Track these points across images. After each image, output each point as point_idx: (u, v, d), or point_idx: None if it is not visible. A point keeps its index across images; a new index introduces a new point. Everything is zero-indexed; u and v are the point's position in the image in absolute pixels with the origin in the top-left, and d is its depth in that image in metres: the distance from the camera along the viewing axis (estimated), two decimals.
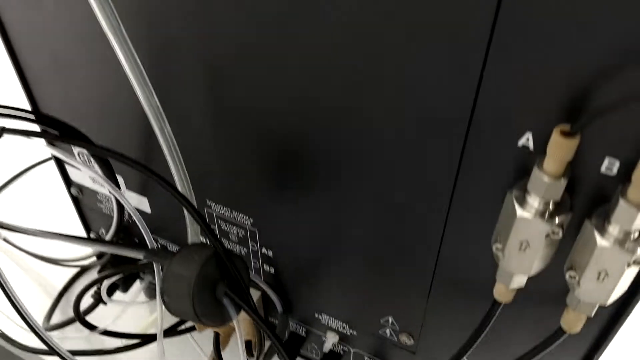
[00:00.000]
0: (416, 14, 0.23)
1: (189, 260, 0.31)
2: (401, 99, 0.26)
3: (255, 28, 0.27)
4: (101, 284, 0.40)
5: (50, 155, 0.62)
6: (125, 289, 0.49)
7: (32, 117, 0.30)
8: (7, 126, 0.30)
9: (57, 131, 0.31)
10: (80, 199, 0.48)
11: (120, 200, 0.34)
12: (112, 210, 0.45)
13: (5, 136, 0.30)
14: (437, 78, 0.24)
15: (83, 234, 0.52)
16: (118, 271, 0.40)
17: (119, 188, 0.41)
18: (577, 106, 0.23)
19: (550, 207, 0.25)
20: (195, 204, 0.35)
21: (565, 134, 0.22)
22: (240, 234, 0.40)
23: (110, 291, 0.47)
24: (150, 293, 0.52)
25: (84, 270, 0.56)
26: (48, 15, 0.33)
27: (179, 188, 0.34)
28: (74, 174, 0.46)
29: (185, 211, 0.35)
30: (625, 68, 0.21)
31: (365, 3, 0.24)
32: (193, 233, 0.37)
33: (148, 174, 0.30)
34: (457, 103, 0.25)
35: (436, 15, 0.23)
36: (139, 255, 0.32)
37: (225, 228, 0.40)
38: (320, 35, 0.26)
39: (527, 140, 0.25)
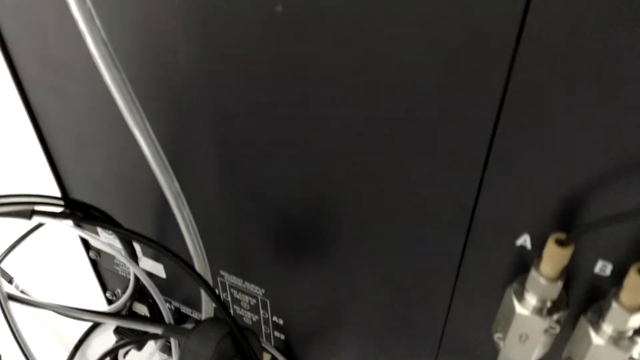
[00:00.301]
0: (420, 130, 0.25)
1: (205, 337, 0.32)
2: (405, 199, 0.28)
3: (270, 127, 0.30)
4: (117, 352, 0.41)
5: None
6: (139, 348, 0.50)
7: (60, 202, 0.32)
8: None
9: (82, 213, 0.33)
10: (98, 261, 0.50)
11: (138, 276, 0.36)
12: (129, 273, 0.46)
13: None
14: (440, 184, 0.26)
15: (99, 291, 0.53)
16: (135, 340, 0.41)
17: (137, 256, 0.43)
18: (572, 213, 0.24)
19: (548, 304, 0.26)
20: (210, 279, 0.37)
21: (560, 243, 0.24)
22: (252, 303, 0.41)
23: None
24: (164, 349, 0.54)
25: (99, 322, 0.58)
26: (73, 100, 0.35)
27: (196, 265, 0.36)
28: (93, 240, 0.48)
29: (202, 290, 0.37)
30: (615, 183, 0.23)
31: (370, 124, 0.26)
32: (207, 304, 0.39)
33: (171, 256, 0.32)
34: (458, 205, 0.27)
35: (439, 133, 0.25)
36: (157, 330, 0.34)
37: (238, 296, 0.42)
38: (330, 140, 0.28)
39: (524, 241, 0.26)
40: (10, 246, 0.61)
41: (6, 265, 0.62)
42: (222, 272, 0.41)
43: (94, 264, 0.50)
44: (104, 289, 0.53)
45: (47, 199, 0.31)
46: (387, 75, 0.24)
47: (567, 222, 0.25)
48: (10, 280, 0.58)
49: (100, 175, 0.38)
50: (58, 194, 0.37)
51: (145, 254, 0.45)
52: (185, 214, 0.34)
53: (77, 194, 0.41)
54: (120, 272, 0.49)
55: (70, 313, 0.32)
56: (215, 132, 0.32)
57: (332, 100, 0.26)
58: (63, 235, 0.68)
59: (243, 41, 0.27)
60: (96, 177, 0.38)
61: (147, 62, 0.31)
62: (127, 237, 0.36)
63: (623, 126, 0.21)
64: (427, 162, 0.26)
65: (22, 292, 0.60)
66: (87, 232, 0.34)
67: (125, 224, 0.37)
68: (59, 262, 0.65)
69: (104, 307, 0.54)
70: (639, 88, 0.19)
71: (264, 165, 0.32)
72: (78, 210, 0.33)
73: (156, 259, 0.44)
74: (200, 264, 0.36)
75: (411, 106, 0.24)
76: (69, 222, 0.34)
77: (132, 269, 0.38)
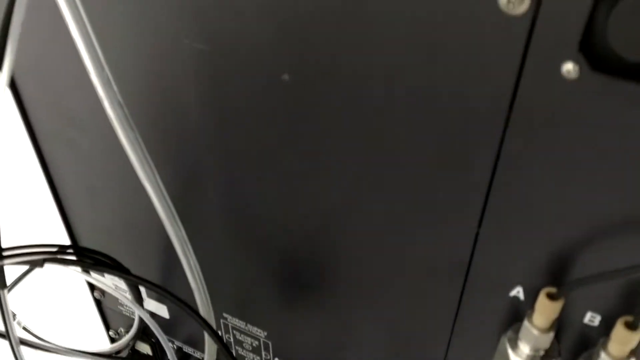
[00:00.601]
0: (419, 192, 0.27)
1: None
2: (405, 252, 0.29)
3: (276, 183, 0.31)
4: None
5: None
6: None
7: (70, 251, 0.34)
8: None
9: (92, 260, 0.35)
10: (102, 300, 0.51)
11: (143, 317, 0.37)
12: (132, 313, 0.47)
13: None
14: (438, 239, 0.28)
15: (102, 329, 0.54)
16: None
17: (142, 298, 0.44)
18: (563, 267, 0.26)
19: (541, 352, 0.28)
20: (214, 322, 0.38)
21: (551, 297, 0.25)
22: (254, 344, 0.42)
23: None
24: None
25: None
26: (84, 151, 0.37)
27: (200, 309, 0.37)
28: (100, 283, 0.49)
29: (205, 333, 0.38)
30: (602, 243, 0.24)
31: (371, 186, 0.28)
32: (210, 345, 0.40)
33: (177, 302, 0.33)
34: (455, 259, 0.28)
35: (438, 194, 0.26)
36: None
37: (240, 338, 0.43)
38: (333, 196, 0.29)
39: (517, 292, 0.28)
40: (13, 282, 0.62)
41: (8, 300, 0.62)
42: (225, 315, 0.42)
43: (98, 302, 0.51)
44: (107, 327, 0.54)
45: (58, 248, 0.33)
46: (387, 143, 0.26)
47: (558, 275, 0.26)
48: (13, 317, 0.59)
49: (109, 222, 0.40)
50: (67, 239, 0.38)
51: (149, 295, 0.46)
52: (191, 261, 0.36)
53: (87, 239, 0.42)
54: (124, 312, 0.50)
55: (75, 356, 0.33)
56: (222, 182, 0.34)
57: (335, 161, 0.28)
58: (68, 274, 0.69)
59: (250, 102, 0.28)
60: (106, 223, 0.40)
61: (158, 113, 0.33)
62: (135, 283, 0.37)
63: (609, 192, 0.22)
64: (425, 219, 0.27)
65: (24, 328, 0.61)
66: (95, 276, 0.35)
67: (132, 267, 0.38)
68: (62, 299, 0.65)
69: (106, 345, 0.55)
70: (621, 159, 0.21)
71: (268, 214, 0.33)
72: (87, 258, 0.34)
73: (160, 300, 0.45)
74: (204, 308, 0.37)
75: (410, 172, 0.26)
76: (77, 269, 0.36)
77: (137, 312, 0.39)
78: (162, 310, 0.46)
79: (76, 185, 0.39)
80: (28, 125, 0.36)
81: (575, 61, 0.20)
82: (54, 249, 0.33)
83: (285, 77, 0.26)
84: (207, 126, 0.31)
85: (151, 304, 0.46)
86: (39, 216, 0.39)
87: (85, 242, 0.43)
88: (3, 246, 0.30)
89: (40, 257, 0.32)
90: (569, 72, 0.20)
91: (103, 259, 0.35)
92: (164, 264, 0.41)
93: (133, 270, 0.39)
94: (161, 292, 0.33)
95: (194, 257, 0.36)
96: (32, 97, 0.35)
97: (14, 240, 0.34)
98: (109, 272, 0.35)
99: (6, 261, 0.30)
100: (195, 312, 0.34)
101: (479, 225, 0.27)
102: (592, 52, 0.19)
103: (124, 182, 0.36)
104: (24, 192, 0.38)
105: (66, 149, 0.37)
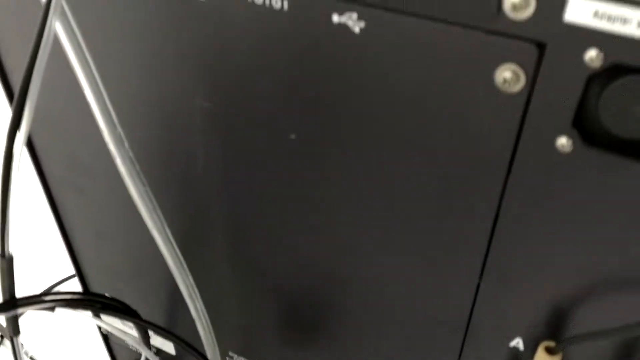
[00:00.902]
0: (422, 246, 0.28)
1: None
2: (407, 303, 0.30)
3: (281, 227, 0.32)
4: None
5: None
6: None
7: (82, 297, 0.35)
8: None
9: (102, 305, 0.36)
10: (109, 335, 0.51)
11: (150, 358, 0.37)
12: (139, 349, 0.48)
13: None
14: (440, 291, 0.29)
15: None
16: None
17: (149, 337, 0.45)
18: (562, 322, 0.27)
19: None
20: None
21: (549, 351, 0.26)
22: None
23: None
24: None
25: None
26: (93, 198, 0.38)
27: (207, 351, 0.38)
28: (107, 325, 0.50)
29: None
30: (601, 300, 0.25)
31: (375, 240, 0.28)
32: None
33: (184, 346, 0.34)
34: (457, 310, 0.29)
35: (438, 247, 0.27)
36: None
37: None
38: (338, 248, 0.30)
39: (517, 343, 0.28)
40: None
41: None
42: (231, 354, 0.43)
43: (105, 337, 0.52)
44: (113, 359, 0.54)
45: (69, 295, 0.34)
46: (390, 200, 0.27)
47: (557, 328, 0.27)
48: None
49: (118, 266, 0.40)
50: (78, 284, 0.39)
51: (156, 331, 0.46)
52: (198, 305, 0.36)
53: (96, 281, 0.43)
54: (130, 348, 0.50)
55: None
56: (228, 231, 0.34)
57: (339, 214, 0.29)
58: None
59: (257, 156, 0.29)
60: (114, 267, 0.41)
61: (167, 165, 0.34)
62: (144, 328, 0.38)
63: (604, 252, 0.23)
64: (428, 272, 0.28)
65: (31, 358, 0.61)
66: (104, 318, 0.36)
67: (139, 308, 0.39)
68: (70, 334, 0.66)
69: None
70: (613, 224, 0.22)
71: (274, 262, 0.34)
72: (97, 302, 0.35)
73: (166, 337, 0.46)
74: (210, 350, 0.38)
75: (414, 227, 0.27)
76: (88, 313, 0.37)
77: (143, 354, 0.40)
78: (169, 347, 0.47)
79: (85, 229, 0.40)
80: (40, 173, 0.38)
81: (569, 136, 0.20)
82: (67, 297, 0.34)
83: (292, 136, 0.27)
84: (214, 179, 0.32)
85: (157, 340, 0.47)
86: (51, 258, 0.40)
87: (94, 282, 0.44)
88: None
89: (52, 304, 0.32)
90: (563, 145, 0.21)
91: (112, 303, 0.36)
92: (170, 305, 0.41)
93: (140, 311, 0.39)
94: (169, 337, 0.34)
95: (200, 301, 0.36)
96: (45, 147, 0.36)
97: (25, 281, 0.35)
98: (119, 317, 0.36)
99: (20, 310, 0.31)
100: (203, 355, 0.35)
101: (480, 278, 0.27)
102: (584, 128, 0.20)
103: (133, 229, 0.37)
104: (35, 234, 0.40)
105: (76, 196, 0.38)
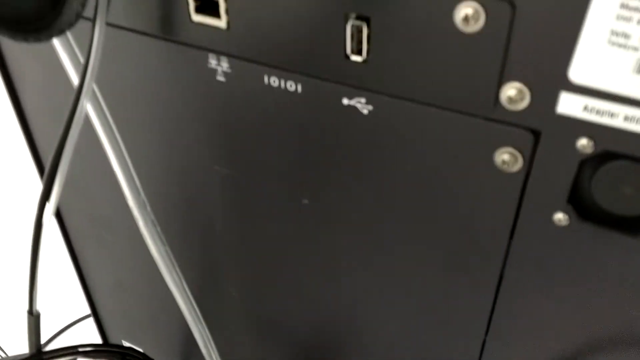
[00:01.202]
0: (429, 310, 0.29)
1: None
2: (414, 357, 0.31)
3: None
4: None
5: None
6: None
7: (102, 348, 0.36)
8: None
9: (121, 356, 0.37)
10: None
11: None
12: None
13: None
14: (447, 347, 0.30)
15: None
16: None
17: None
18: None
19: None
20: None
21: None
22: None
23: None
24: None
25: None
26: (113, 250, 0.40)
27: None
28: None
29: None
30: (599, 357, 0.26)
31: (383, 301, 0.30)
32: None
33: None
34: None
35: (446, 310, 0.29)
36: None
37: None
38: (346, 304, 0.32)
39: None
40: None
41: None
42: None
43: None
44: None
45: (89, 347, 0.35)
46: (398, 263, 0.28)
47: None
48: None
49: (134, 313, 0.42)
50: (96, 329, 0.40)
51: None
52: (213, 355, 0.38)
53: (114, 328, 0.45)
54: None
55: None
56: (243, 286, 0.36)
57: (349, 272, 0.30)
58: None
59: (271, 219, 0.31)
60: (133, 315, 0.42)
61: (186, 226, 0.35)
62: None
63: (601, 317, 0.24)
64: (437, 329, 0.30)
65: None
66: None
67: (155, 355, 0.40)
68: None
69: None
70: (610, 292, 0.23)
71: (287, 314, 0.35)
72: (117, 353, 0.36)
73: None
74: None
75: (424, 289, 0.28)
76: None
77: None
78: None
79: (105, 279, 0.41)
80: (62, 227, 0.39)
81: (565, 212, 0.22)
82: (87, 349, 0.35)
83: (305, 201, 0.29)
84: (231, 239, 0.33)
85: None
86: (72, 307, 0.42)
87: (111, 330, 0.45)
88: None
89: (74, 356, 0.34)
90: (559, 220, 0.22)
91: (131, 353, 0.37)
92: (186, 354, 0.43)
93: (157, 358, 0.41)
94: None
95: (215, 351, 0.38)
96: (67, 204, 0.38)
97: (47, 330, 0.37)
98: None
99: None
100: None
101: (486, 334, 0.29)
102: (579, 204, 0.22)
103: (151, 278, 0.38)
104: (57, 284, 0.41)
105: (97, 248, 0.39)
